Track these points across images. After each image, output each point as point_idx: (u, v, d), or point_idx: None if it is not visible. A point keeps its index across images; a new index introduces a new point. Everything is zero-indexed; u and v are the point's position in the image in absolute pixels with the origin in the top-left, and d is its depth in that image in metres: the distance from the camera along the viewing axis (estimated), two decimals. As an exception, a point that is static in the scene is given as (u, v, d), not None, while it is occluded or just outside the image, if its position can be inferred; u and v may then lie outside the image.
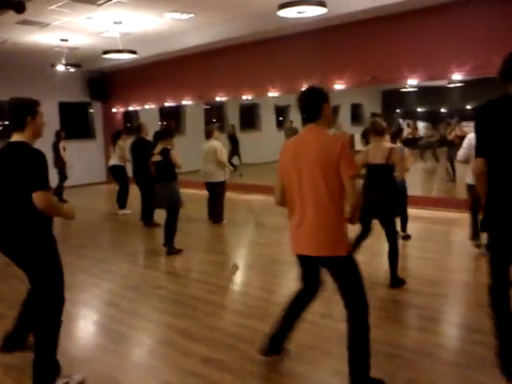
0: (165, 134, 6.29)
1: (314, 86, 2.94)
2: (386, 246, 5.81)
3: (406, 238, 6.39)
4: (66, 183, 11.76)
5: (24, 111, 2.99)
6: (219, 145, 7.70)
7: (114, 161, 9.22)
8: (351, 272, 2.84)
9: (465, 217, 7.70)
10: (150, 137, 7.64)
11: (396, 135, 6.28)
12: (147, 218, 7.92)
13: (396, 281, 4.64)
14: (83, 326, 4.25)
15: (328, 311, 4.08)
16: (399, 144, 6.17)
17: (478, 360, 3.18)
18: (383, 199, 4.64)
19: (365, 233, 4.88)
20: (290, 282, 5.16)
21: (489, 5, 7.39)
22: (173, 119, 15.25)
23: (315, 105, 2.84)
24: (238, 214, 8.79)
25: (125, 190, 9.12)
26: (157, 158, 6.16)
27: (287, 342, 3.21)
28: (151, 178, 7.04)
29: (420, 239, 6.50)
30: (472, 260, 5.58)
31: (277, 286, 5.08)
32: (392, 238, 4.66)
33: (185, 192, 8.47)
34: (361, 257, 6.06)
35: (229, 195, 8.35)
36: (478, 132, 2.79)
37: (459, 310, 4.20)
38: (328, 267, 2.88)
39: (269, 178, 13.78)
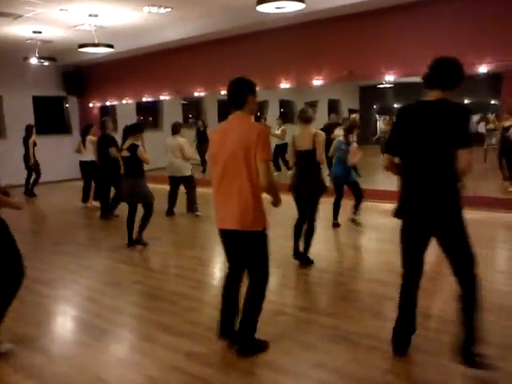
0: (134, 129, 6.27)
1: (242, 78, 3.20)
2: (370, 243, 5.92)
3: (336, 225, 6.97)
4: (41, 179, 11.57)
5: None
6: (184, 141, 7.94)
7: (85, 156, 9.19)
8: (263, 246, 3.19)
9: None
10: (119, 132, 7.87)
11: (349, 130, 6.72)
12: (107, 210, 8.26)
13: (307, 260, 5.18)
14: (63, 322, 4.21)
15: (307, 304, 4.13)
16: (354, 139, 6.60)
17: (453, 350, 3.26)
18: (309, 182, 5.04)
19: (300, 219, 5.25)
20: (271, 277, 5.20)
21: (464, 3, 7.54)
22: (150, 114, 15.12)
23: (241, 94, 3.13)
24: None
25: (91, 184, 9.31)
26: (125, 153, 6.18)
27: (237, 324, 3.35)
28: (114, 174, 7.72)
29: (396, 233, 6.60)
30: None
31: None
32: (311, 219, 5.12)
33: (162, 187, 8.47)
34: (345, 252, 6.14)
35: (204, 191, 8.35)
36: (394, 131, 3.11)
37: (434, 302, 4.30)
38: (245, 241, 3.18)
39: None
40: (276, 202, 3.30)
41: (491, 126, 10.68)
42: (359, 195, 6.81)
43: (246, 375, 3.05)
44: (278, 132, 11.95)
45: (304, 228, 5.19)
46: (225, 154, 3.10)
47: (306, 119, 5.06)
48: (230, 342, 3.34)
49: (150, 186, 6.37)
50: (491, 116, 11.12)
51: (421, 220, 3.04)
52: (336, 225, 6.97)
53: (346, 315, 3.78)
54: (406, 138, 2.99)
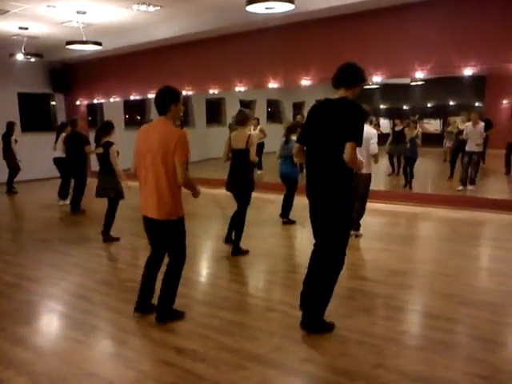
0: (106, 128, 6.54)
1: (167, 87, 3.59)
2: (355, 241, 6.01)
3: (288, 222, 7.16)
4: (28, 176, 11.49)
5: None
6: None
7: (58, 153, 9.45)
8: (178, 233, 3.73)
9: (427, 210, 8.00)
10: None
11: (291, 130, 7.08)
12: (75, 206, 8.65)
13: (237, 250, 5.58)
14: (53, 319, 4.19)
15: (297, 301, 4.17)
16: (294, 138, 6.73)
17: (440, 344, 3.34)
18: (239, 178, 5.55)
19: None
20: (259, 274, 5.26)
21: (450, 6, 7.67)
22: (138, 112, 15.07)
23: (165, 102, 3.56)
24: (203, 207, 8.80)
25: (68, 182, 9.56)
26: (99, 150, 6.42)
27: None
28: (82, 170, 8.62)
29: (383, 232, 6.70)
30: (434, 252, 5.82)
31: (246, 277, 5.15)
32: (240, 213, 5.59)
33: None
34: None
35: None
36: (305, 124, 3.68)
37: (422, 299, 4.38)
38: (162, 228, 3.68)
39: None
40: (195, 195, 3.79)
41: (451, 128, 10.89)
42: (291, 194, 7.11)
43: (236, 370, 3.08)
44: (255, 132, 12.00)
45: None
46: (147, 150, 3.55)
47: (240, 122, 5.54)
48: (143, 314, 3.86)
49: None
50: (452, 119, 11.35)
51: (313, 199, 3.57)
52: (286, 222, 7.14)
53: (334, 311, 3.83)
54: (311, 129, 3.50)
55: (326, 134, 3.38)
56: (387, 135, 11.52)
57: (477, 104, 14.38)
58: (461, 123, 10.19)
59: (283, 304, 4.15)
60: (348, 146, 3.23)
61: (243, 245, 5.63)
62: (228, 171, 5.70)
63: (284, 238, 6.71)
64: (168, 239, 3.76)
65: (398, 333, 3.57)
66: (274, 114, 15.89)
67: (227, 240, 5.91)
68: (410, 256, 5.63)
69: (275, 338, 3.49)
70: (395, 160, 11.37)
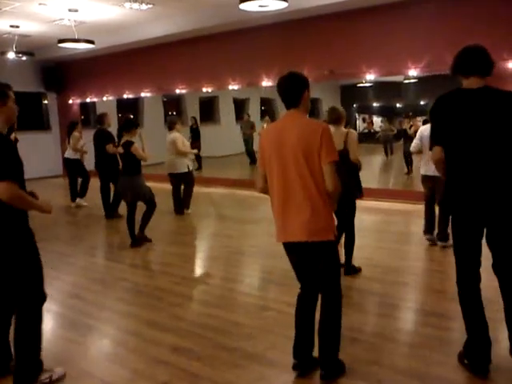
0: (128, 125, 6.18)
1: (295, 72, 2.88)
2: (356, 240, 5.98)
3: None
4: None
5: None
6: (180, 136, 7.78)
7: (68, 153, 9.08)
8: (334, 257, 2.88)
9: (420, 208, 8.03)
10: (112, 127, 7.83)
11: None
12: (110, 210, 7.84)
13: (350, 268, 4.81)
14: (48, 318, 4.14)
15: (293, 299, 4.18)
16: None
17: (434, 341, 3.37)
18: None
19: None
20: (255, 273, 5.27)
21: (443, 4, 7.70)
22: (131, 111, 14.98)
23: (297, 91, 2.80)
24: (200, 206, 8.79)
25: (77, 182, 9.09)
26: (120, 150, 6.13)
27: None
28: (113, 170, 7.34)
29: (379, 230, 6.73)
30: (428, 249, 5.84)
31: (241, 276, 5.15)
32: (350, 228, 4.83)
33: (161, 186, 8.44)
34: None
35: (197, 189, 8.36)
36: (435, 123, 2.94)
37: (416, 296, 4.41)
38: (314, 252, 2.84)
39: (228, 171, 13.80)
40: (334, 207, 2.91)
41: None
42: None
43: (232, 368, 3.09)
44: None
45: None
46: (282, 157, 2.75)
47: (335, 119, 4.61)
48: (304, 370, 2.97)
49: (150, 184, 6.32)
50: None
51: (473, 212, 2.83)
52: None
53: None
54: (448, 129, 2.79)
55: (486, 132, 2.71)
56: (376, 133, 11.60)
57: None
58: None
59: (278, 303, 4.16)
60: None
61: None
62: None
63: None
64: (323, 267, 2.86)
65: (392, 330, 3.59)
66: (267, 113, 15.89)
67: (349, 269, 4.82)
68: (405, 254, 5.65)
69: (271, 337, 3.49)
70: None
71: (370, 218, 7.08)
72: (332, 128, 4.64)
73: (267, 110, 15.89)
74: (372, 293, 4.39)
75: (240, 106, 15.82)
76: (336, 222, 3.65)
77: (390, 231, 6.71)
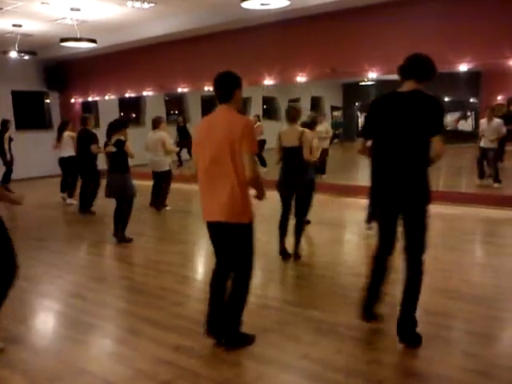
0: (119, 125, 6.34)
1: (230, 72, 3.23)
2: (352, 238, 5.99)
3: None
4: (21, 175, 11.44)
5: None
6: (166, 135, 8.05)
7: (63, 152, 9.14)
8: (248, 238, 3.22)
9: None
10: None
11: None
12: (85, 206, 8.30)
13: (298, 254, 5.26)
14: (49, 317, 4.19)
15: (293, 298, 4.19)
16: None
17: (435, 339, 3.35)
18: (297, 179, 5.12)
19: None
20: (254, 271, 5.24)
21: (445, 2, 7.67)
22: (133, 110, 14.99)
23: (229, 88, 3.16)
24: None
25: (68, 180, 9.38)
26: (111, 149, 6.22)
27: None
28: (93, 169, 8.13)
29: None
30: (429, 248, 5.82)
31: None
32: (300, 220, 5.27)
33: (144, 184, 8.46)
34: (328, 247, 6.20)
35: (189, 187, 8.35)
36: (367, 120, 3.42)
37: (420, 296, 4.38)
38: (230, 233, 3.20)
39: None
40: (260, 196, 3.30)
41: None
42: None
43: (233, 367, 3.09)
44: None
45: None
46: (211, 146, 3.11)
47: (292, 118, 5.15)
48: (217, 339, 3.31)
49: (134, 182, 6.37)
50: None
51: (391, 200, 3.31)
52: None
53: (331, 308, 3.85)
54: (380, 125, 3.25)
55: (404, 128, 3.14)
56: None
57: (472, 100, 14.40)
58: None
59: (278, 301, 4.15)
60: (436, 140, 3.08)
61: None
62: (281, 171, 5.25)
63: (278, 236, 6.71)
64: (236, 247, 3.23)
65: (393, 329, 3.56)
66: (269, 111, 15.89)
67: (283, 253, 5.32)
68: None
69: (271, 335, 3.49)
70: None
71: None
72: (288, 126, 5.19)
73: (269, 108, 15.90)
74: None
75: (242, 104, 15.80)
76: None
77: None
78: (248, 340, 3.34)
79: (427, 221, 3.28)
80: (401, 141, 3.16)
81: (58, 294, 4.63)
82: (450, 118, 16.26)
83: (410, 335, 3.26)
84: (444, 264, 5.06)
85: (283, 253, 5.30)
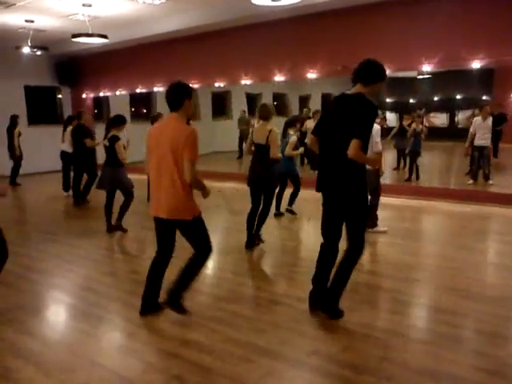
0: (116, 121, 6.49)
1: (180, 82, 3.51)
2: (368, 236, 5.97)
3: (291, 212, 7.26)
4: (34, 169, 11.55)
5: None
6: None
7: (65, 147, 9.40)
8: (196, 231, 3.59)
9: (432, 204, 7.98)
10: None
11: (290, 124, 7.15)
12: (79, 198, 8.70)
13: (251, 243, 5.54)
14: (61, 310, 4.23)
15: (304, 295, 4.18)
16: (291, 132, 7.00)
17: (446, 338, 3.34)
18: (260, 173, 5.42)
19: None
20: (265, 267, 5.28)
21: (457, 0, 7.61)
22: (143, 106, 15.06)
23: (178, 98, 3.43)
24: (211, 201, 8.80)
25: (69, 174, 9.60)
26: (106, 143, 6.42)
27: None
28: (87, 162, 8.61)
29: (389, 226, 6.68)
30: (440, 246, 5.80)
31: (252, 270, 5.15)
32: (265, 209, 5.58)
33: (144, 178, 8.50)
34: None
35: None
36: (321, 116, 3.74)
37: (428, 293, 4.37)
38: (178, 228, 3.61)
39: (241, 166, 13.80)
40: (204, 195, 3.65)
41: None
42: (297, 188, 7.15)
43: (243, 362, 3.10)
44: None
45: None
46: (159, 150, 3.44)
47: (263, 116, 5.43)
48: (146, 311, 3.77)
49: (134, 176, 6.49)
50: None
51: (326, 191, 3.59)
52: (278, 214, 7.22)
53: (341, 305, 3.83)
54: (325, 122, 3.56)
55: (337, 128, 3.41)
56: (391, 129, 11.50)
57: (484, 97, 14.27)
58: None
59: (289, 297, 4.16)
60: (352, 143, 3.27)
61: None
62: (249, 165, 5.58)
63: (289, 232, 6.71)
64: (189, 239, 3.63)
65: (403, 327, 3.57)
66: (280, 108, 15.86)
67: (249, 243, 5.59)
68: (416, 250, 5.62)
69: (281, 331, 3.50)
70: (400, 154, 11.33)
71: (381, 215, 7.04)
72: (260, 123, 5.45)
73: (279, 104, 15.86)
74: (383, 289, 4.38)
75: (252, 100, 15.81)
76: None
77: (398, 228, 6.66)
78: (181, 309, 3.68)
79: (361, 211, 3.52)
80: (333, 139, 3.45)
81: (69, 287, 4.67)
82: (461, 116, 16.13)
83: (331, 308, 3.62)
84: (454, 262, 5.03)
85: (248, 243, 5.56)
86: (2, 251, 3.75)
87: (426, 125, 10.15)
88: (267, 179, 5.43)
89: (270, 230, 6.43)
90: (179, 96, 3.43)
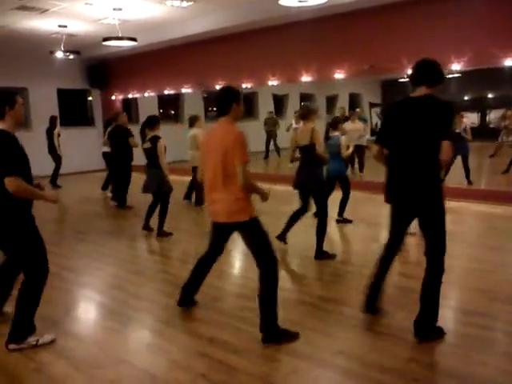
0: (151, 121, 6.49)
1: (229, 86, 3.54)
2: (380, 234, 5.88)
3: (343, 221, 6.94)
4: (65, 170, 11.82)
5: (2, 102, 3.22)
6: (200, 132, 8.07)
7: (105, 148, 9.46)
8: (256, 234, 3.45)
9: (464, 205, 7.83)
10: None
11: (332, 125, 6.71)
12: (122, 201, 8.56)
13: (321, 254, 5.22)
14: (90, 307, 4.34)
15: (329, 295, 4.18)
16: (336, 133, 6.58)
17: (475, 340, 3.29)
18: (308, 176, 5.24)
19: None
20: (290, 266, 5.28)
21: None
22: (171, 107, 15.24)
23: (227, 102, 3.40)
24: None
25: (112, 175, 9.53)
26: (147, 144, 6.37)
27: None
28: (127, 164, 8.54)
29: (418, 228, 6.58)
30: (468, 247, 5.69)
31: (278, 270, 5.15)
32: (322, 218, 5.30)
33: (184, 180, 8.62)
34: (365, 244, 6.14)
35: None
36: (383, 126, 3.54)
37: (457, 295, 4.30)
38: (237, 231, 3.53)
39: (267, 167, 13.81)
40: (262, 199, 3.56)
41: (508, 122, 10.48)
42: (347, 191, 6.78)
43: (268, 361, 3.12)
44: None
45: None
46: (211, 155, 3.43)
47: (303, 115, 5.31)
48: (183, 303, 3.92)
49: (172, 177, 6.50)
50: (509, 112, 10.95)
51: (406, 203, 3.43)
52: (340, 221, 6.94)
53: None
54: (395, 130, 3.34)
55: (417, 133, 3.23)
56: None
57: (517, 96, 13.89)
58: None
59: (314, 297, 4.15)
60: (445, 144, 3.18)
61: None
62: (297, 169, 5.40)
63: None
64: (249, 243, 3.50)
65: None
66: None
67: (319, 253, 5.30)
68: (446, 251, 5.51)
69: (306, 331, 3.50)
70: None
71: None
72: (301, 124, 5.37)
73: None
74: (411, 290, 4.31)
75: (279, 101, 15.80)
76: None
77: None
78: (288, 336, 3.36)
79: (444, 223, 3.38)
80: (413, 145, 3.26)
81: (98, 286, 4.78)
82: (493, 116, 15.73)
83: (426, 330, 3.33)
84: (484, 264, 4.93)
85: (280, 237, 5.56)
86: (42, 267, 3.41)
87: (469, 124, 9.73)
88: (312, 181, 5.21)
89: (299, 230, 6.43)
90: (227, 100, 3.41)
